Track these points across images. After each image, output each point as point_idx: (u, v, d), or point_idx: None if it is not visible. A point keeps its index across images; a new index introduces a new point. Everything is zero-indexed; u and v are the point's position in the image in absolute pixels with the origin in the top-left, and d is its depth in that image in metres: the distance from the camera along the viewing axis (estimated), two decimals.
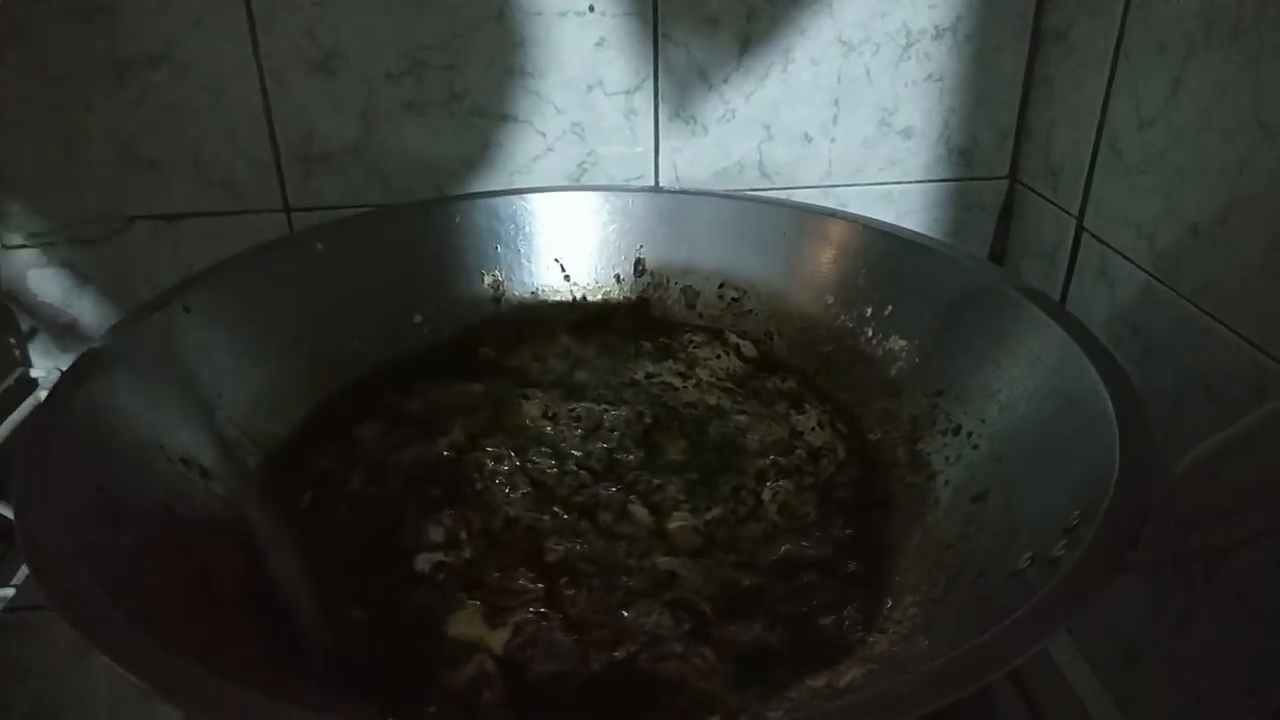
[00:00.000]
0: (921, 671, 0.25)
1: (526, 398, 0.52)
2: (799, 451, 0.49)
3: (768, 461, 0.48)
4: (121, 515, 0.35)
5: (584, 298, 0.60)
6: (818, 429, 0.50)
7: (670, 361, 0.56)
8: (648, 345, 0.57)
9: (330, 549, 0.42)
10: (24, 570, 0.55)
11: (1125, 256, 0.53)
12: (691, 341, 0.57)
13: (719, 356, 0.56)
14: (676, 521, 0.44)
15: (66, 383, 0.39)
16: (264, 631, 0.36)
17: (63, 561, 0.30)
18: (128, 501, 0.37)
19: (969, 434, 0.44)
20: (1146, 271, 0.51)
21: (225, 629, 0.35)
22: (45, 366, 0.62)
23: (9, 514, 0.49)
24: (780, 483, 0.46)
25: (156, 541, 0.36)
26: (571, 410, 0.51)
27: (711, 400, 0.52)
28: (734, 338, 0.58)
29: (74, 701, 0.52)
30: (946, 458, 0.45)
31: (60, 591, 0.28)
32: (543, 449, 0.48)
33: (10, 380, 0.59)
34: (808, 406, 0.52)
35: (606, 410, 0.51)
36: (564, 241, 0.60)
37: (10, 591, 0.54)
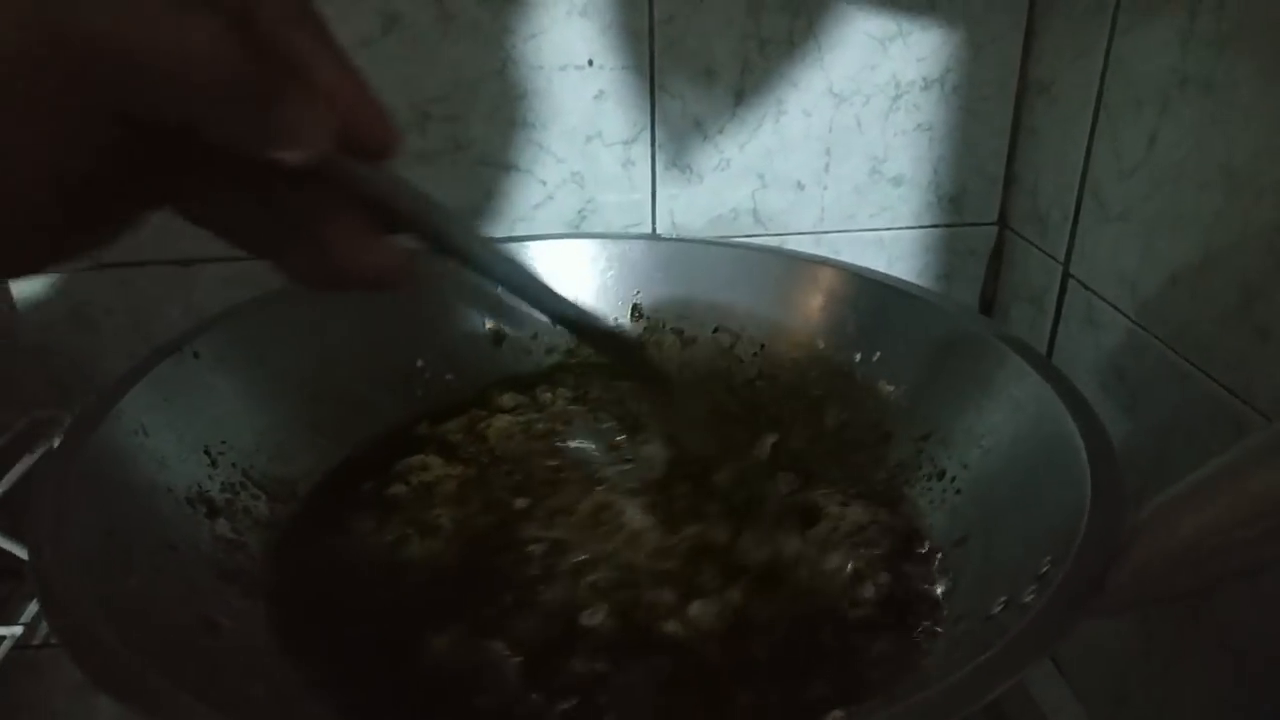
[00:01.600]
0: (893, 709, 0.26)
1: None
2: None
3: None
4: (130, 556, 0.37)
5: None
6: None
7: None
8: None
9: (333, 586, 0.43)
10: (31, 608, 0.56)
11: (1110, 303, 0.54)
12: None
13: None
14: None
15: (77, 427, 0.40)
16: (264, 670, 0.37)
17: (76, 605, 0.31)
18: (135, 543, 0.38)
19: (952, 478, 0.45)
20: (1130, 318, 0.52)
21: (229, 669, 0.36)
22: (56, 410, 0.63)
23: (20, 554, 0.51)
24: None
25: (162, 581, 0.37)
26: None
27: None
28: None
29: None
30: (930, 501, 0.46)
31: (72, 634, 0.30)
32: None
33: (21, 424, 0.60)
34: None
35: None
36: (564, 286, 0.60)
37: (18, 630, 0.55)
